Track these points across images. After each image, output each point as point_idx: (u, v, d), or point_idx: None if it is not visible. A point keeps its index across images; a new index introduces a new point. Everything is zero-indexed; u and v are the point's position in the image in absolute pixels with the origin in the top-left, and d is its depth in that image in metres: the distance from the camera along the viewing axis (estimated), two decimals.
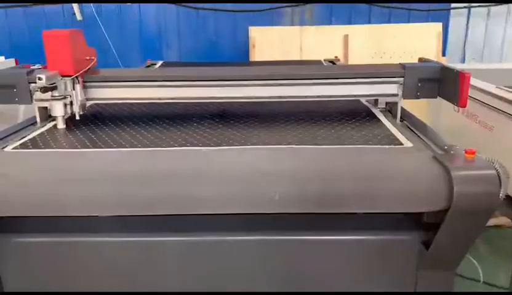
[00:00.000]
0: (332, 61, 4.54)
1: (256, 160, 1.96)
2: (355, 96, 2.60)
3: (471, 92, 4.54)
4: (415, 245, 1.96)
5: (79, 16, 6.68)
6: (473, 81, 4.55)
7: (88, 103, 2.66)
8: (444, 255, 1.91)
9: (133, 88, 2.59)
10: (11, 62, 4.54)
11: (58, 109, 2.45)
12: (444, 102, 2.51)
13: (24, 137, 2.35)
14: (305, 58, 6.43)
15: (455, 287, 2.05)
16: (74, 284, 2.07)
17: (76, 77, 2.44)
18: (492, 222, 3.90)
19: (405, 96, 2.52)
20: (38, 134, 2.40)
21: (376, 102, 2.84)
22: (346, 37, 6.49)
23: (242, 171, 1.84)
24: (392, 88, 2.54)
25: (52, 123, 2.62)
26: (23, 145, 2.22)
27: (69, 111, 2.48)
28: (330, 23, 6.92)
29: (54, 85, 2.34)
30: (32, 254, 2.04)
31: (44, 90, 2.29)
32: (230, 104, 2.89)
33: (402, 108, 2.61)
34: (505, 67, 6.02)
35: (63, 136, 2.36)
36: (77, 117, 2.50)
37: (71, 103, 2.47)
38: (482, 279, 3.20)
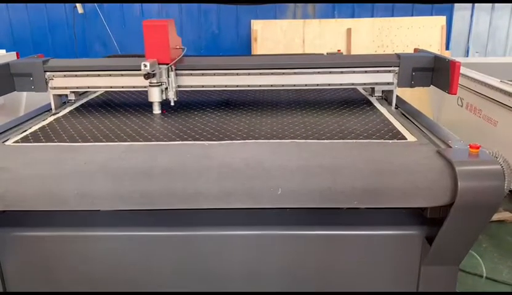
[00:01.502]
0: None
1: (258, 154, 1.94)
2: (353, 84, 2.71)
3: (474, 86, 4.55)
4: (419, 240, 1.95)
5: (80, 10, 6.67)
6: (477, 75, 4.55)
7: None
8: (447, 251, 1.90)
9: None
10: (12, 55, 4.53)
11: (155, 95, 2.59)
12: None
13: (25, 130, 2.34)
14: (308, 51, 6.40)
15: (457, 283, 2.04)
16: (75, 279, 2.07)
17: (171, 65, 2.55)
18: (494, 217, 3.89)
19: (400, 84, 2.66)
20: (39, 128, 2.39)
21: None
22: (349, 30, 6.46)
23: (244, 166, 1.83)
24: (388, 77, 2.68)
25: (54, 116, 2.63)
26: (24, 139, 2.21)
27: (164, 97, 2.61)
28: (333, 16, 6.88)
29: (154, 72, 2.47)
30: (34, 248, 2.03)
31: (147, 76, 2.41)
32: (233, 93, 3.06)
33: (397, 96, 2.74)
34: (509, 61, 5.98)
35: (64, 129, 2.35)
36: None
37: (166, 90, 2.61)
38: (485, 274, 3.19)
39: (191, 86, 2.71)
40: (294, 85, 2.69)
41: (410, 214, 2.01)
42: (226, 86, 2.70)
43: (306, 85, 2.68)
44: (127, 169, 1.83)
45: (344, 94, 3.08)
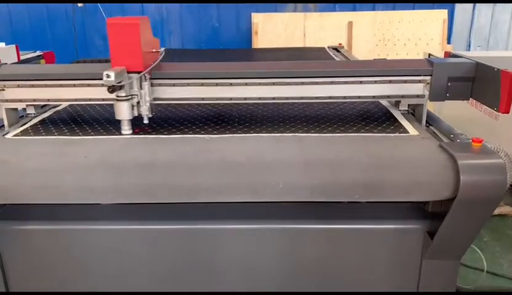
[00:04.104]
0: (336, 49, 4.50)
1: (260, 147, 1.93)
2: (374, 97, 2.23)
3: None
4: (420, 234, 1.95)
5: (80, 3, 6.63)
6: None
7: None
8: (448, 245, 1.89)
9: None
10: (11, 48, 4.50)
11: (124, 112, 2.09)
12: None
13: (25, 124, 2.33)
14: (308, 45, 6.37)
15: (459, 277, 2.04)
16: (76, 272, 2.07)
17: (144, 73, 2.08)
18: (496, 211, 3.88)
19: (433, 97, 2.18)
20: (39, 121, 2.37)
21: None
22: (350, 24, 6.42)
23: (245, 159, 1.82)
24: (418, 88, 2.20)
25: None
26: (24, 132, 2.20)
27: (135, 113, 2.13)
28: (334, 9, 6.84)
29: (122, 83, 2.00)
30: (35, 242, 2.03)
31: (113, 89, 1.96)
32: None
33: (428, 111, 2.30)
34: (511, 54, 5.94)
35: (64, 123, 2.34)
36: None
37: (138, 104, 2.12)
38: (486, 269, 3.19)
39: (173, 99, 2.23)
40: (301, 98, 2.22)
41: (411, 208, 2.01)
42: (217, 99, 2.22)
43: (317, 98, 2.21)
44: (127, 162, 1.82)
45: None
